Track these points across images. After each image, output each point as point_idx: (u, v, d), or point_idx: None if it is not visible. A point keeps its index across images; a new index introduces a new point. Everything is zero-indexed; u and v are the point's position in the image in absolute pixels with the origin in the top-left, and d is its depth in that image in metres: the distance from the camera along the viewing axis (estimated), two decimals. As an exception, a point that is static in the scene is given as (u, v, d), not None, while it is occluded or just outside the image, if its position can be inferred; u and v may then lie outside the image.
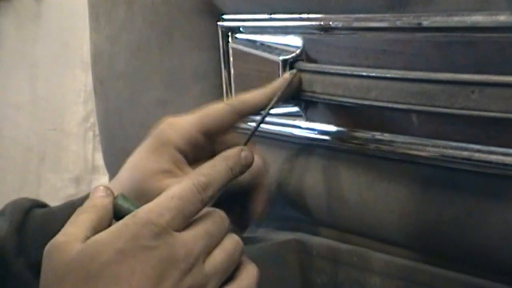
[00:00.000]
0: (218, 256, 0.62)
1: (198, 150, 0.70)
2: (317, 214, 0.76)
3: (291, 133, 0.78)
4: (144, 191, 0.69)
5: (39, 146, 1.80)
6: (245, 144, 0.69)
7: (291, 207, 0.80)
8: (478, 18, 0.57)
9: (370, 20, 0.66)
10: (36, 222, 0.71)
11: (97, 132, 1.65)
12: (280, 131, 0.79)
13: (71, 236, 0.60)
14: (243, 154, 0.67)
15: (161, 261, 0.59)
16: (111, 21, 0.99)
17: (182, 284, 0.60)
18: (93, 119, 1.65)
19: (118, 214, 0.63)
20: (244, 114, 0.71)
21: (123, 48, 0.97)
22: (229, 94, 0.83)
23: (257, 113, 0.71)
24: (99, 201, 0.63)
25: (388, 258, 0.70)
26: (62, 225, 0.62)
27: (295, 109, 0.77)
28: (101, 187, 0.64)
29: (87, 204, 0.63)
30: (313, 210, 0.76)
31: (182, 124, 0.70)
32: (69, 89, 1.67)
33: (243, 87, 0.80)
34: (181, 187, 0.62)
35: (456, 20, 0.59)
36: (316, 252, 0.76)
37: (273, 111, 0.77)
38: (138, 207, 0.62)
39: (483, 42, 0.58)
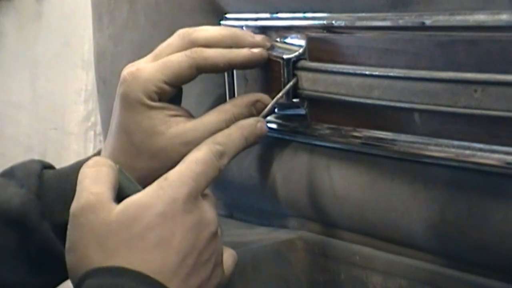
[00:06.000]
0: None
1: (162, 95, 0.72)
2: (320, 213, 0.76)
3: (293, 131, 0.78)
4: (144, 150, 0.71)
5: (40, 145, 1.79)
6: (264, 116, 0.73)
7: (293, 206, 0.80)
8: (481, 17, 0.57)
9: (373, 19, 0.67)
10: (53, 185, 0.73)
11: (98, 131, 1.65)
12: (282, 129, 0.79)
13: (102, 196, 0.62)
14: (259, 125, 0.72)
15: (196, 223, 0.62)
16: (114, 20, 0.99)
17: (210, 246, 0.63)
18: (94, 118, 1.65)
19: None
20: (202, 70, 0.72)
21: (126, 47, 0.98)
22: (231, 93, 0.83)
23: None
24: (107, 161, 0.65)
25: (390, 257, 0.70)
26: None
27: (297, 107, 0.77)
28: (99, 158, 0.66)
29: (97, 159, 0.65)
30: (315, 208, 0.77)
31: (145, 76, 0.71)
32: (70, 88, 1.67)
33: (245, 86, 0.80)
34: (201, 153, 0.66)
35: (459, 19, 0.59)
36: (319, 251, 0.76)
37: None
38: (133, 181, 0.65)
39: (486, 41, 0.58)
